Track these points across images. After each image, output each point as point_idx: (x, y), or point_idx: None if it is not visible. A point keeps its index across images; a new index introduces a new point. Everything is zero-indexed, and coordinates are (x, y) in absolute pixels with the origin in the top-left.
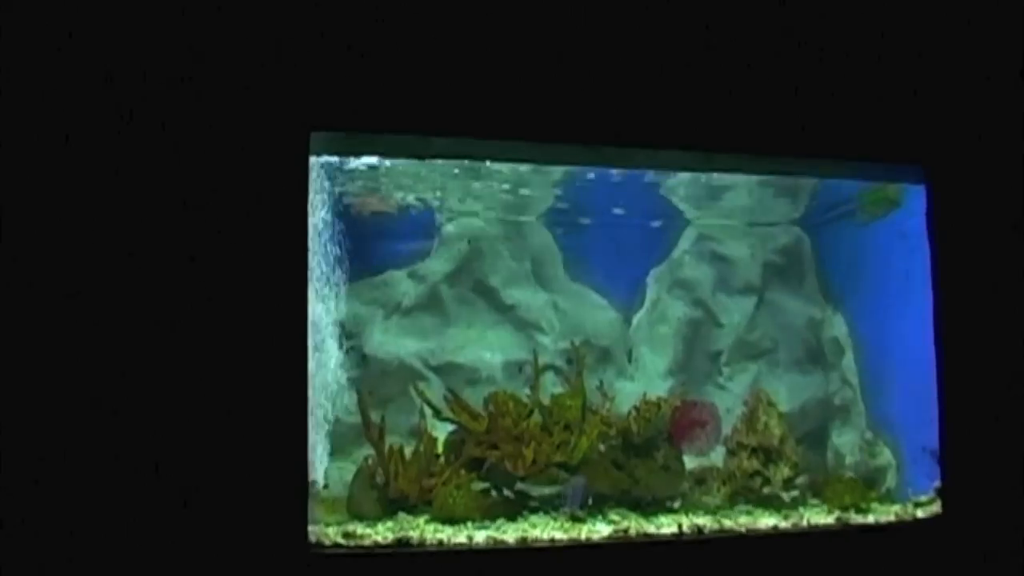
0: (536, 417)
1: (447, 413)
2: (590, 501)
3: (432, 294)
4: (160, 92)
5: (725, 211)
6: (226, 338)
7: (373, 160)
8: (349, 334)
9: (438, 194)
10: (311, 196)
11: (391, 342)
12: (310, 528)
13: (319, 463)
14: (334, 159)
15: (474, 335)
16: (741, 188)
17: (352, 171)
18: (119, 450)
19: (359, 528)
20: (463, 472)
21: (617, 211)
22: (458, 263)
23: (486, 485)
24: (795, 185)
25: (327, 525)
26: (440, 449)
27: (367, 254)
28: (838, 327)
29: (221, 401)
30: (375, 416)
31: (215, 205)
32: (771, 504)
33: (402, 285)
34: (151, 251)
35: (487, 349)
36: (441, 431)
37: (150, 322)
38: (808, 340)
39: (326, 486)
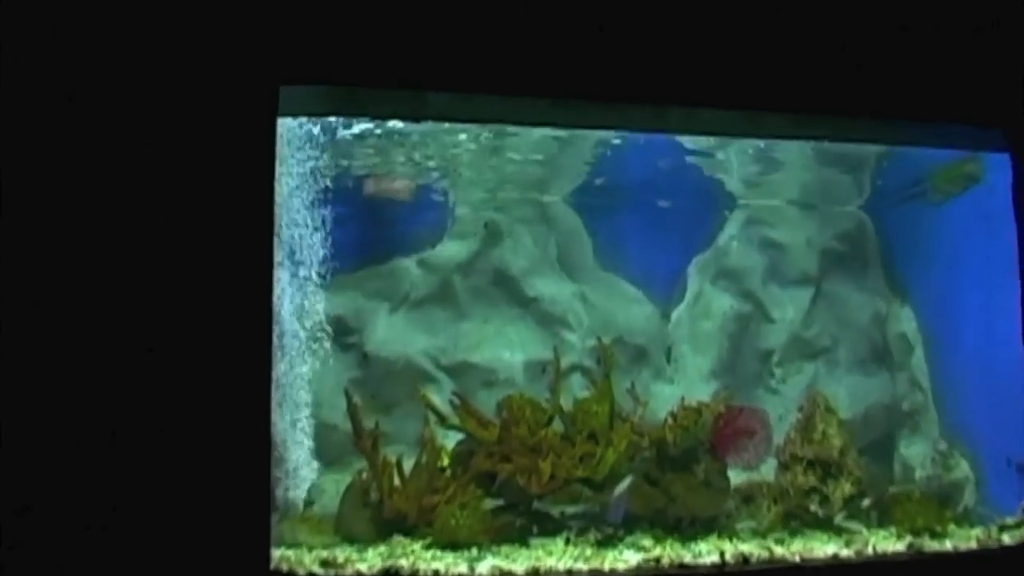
0: (557, 425)
1: (453, 420)
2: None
3: (444, 285)
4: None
5: (778, 191)
6: (177, 331)
7: (369, 125)
8: (347, 329)
9: (451, 170)
10: (293, 168)
11: (396, 339)
12: (279, 553)
13: (302, 477)
14: (325, 122)
15: (491, 331)
16: (796, 164)
17: (352, 140)
18: (50, 461)
19: (344, 553)
20: (470, 488)
21: (656, 190)
22: (474, 250)
23: (498, 503)
24: (858, 160)
25: (310, 548)
26: (446, 462)
27: (370, 239)
28: (906, 322)
29: (166, 404)
30: (373, 422)
31: (168, 173)
32: (830, 527)
33: (410, 274)
34: (95, 231)
35: (506, 347)
36: (452, 441)
37: (92, 310)
38: (872, 337)
39: (311, 503)
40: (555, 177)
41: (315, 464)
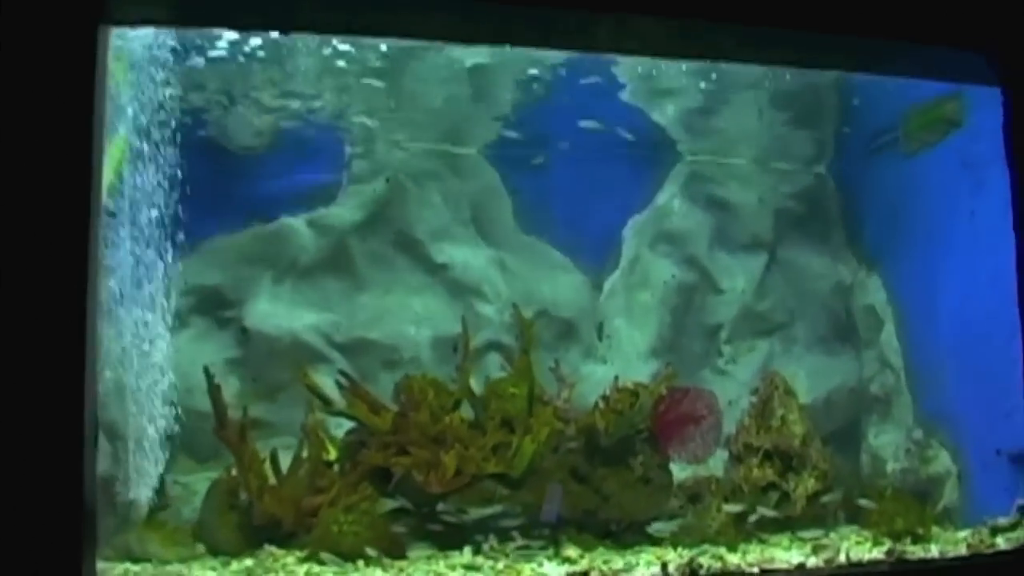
0: (465, 411)
1: (339, 405)
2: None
3: (338, 249)
4: None
5: (727, 142)
6: None
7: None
8: (223, 301)
9: (344, 113)
10: (121, 97)
11: (281, 312)
12: (112, 569)
13: (149, 474)
14: (178, 42)
15: (394, 304)
16: (747, 109)
17: (211, 63)
18: None
19: (197, 570)
20: (360, 487)
21: (585, 141)
22: (373, 209)
23: (393, 505)
24: (818, 104)
25: (163, 561)
26: (333, 455)
27: (248, 194)
28: (874, 292)
29: None
30: (245, 410)
31: None
32: (793, 529)
33: (298, 237)
34: None
35: (411, 322)
36: (342, 430)
37: None
38: (835, 310)
39: (165, 507)
40: (469, 124)
41: (167, 460)
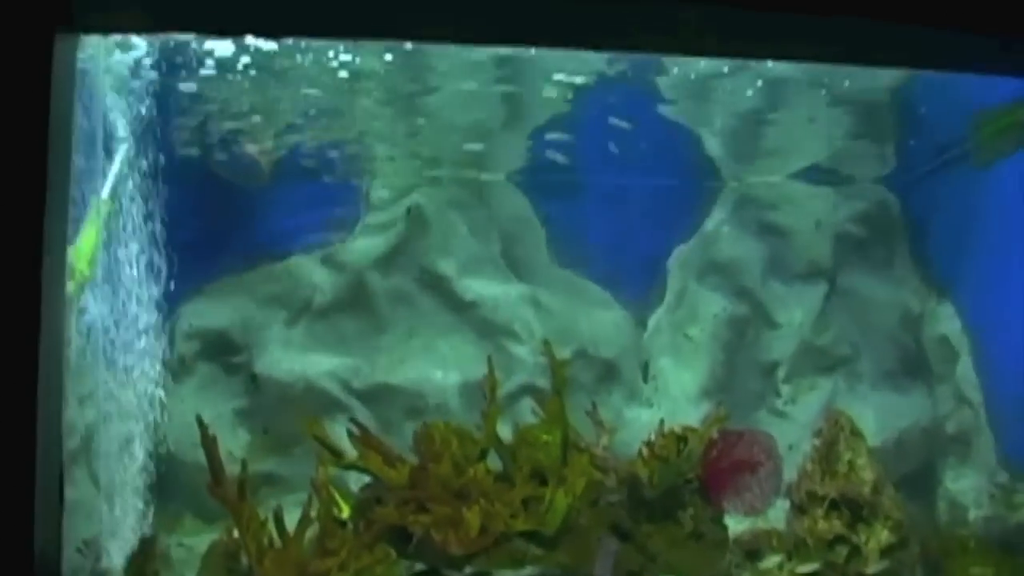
0: (493, 462)
1: (350, 457)
2: None
3: (356, 288)
4: None
5: (778, 161)
6: None
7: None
8: (231, 346)
9: (360, 138)
10: (102, 122)
11: (295, 357)
12: None
13: (127, 536)
14: (155, 63)
15: (418, 346)
16: (799, 124)
17: (207, 83)
18: None
19: None
20: (376, 549)
21: (625, 164)
22: (393, 243)
23: (415, 569)
24: (878, 114)
25: None
26: (346, 513)
27: (259, 230)
28: (947, 321)
29: None
30: (260, 463)
31: None
32: None
33: (312, 275)
34: None
35: (437, 366)
36: (357, 486)
37: None
38: (903, 342)
39: (155, 574)
40: (497, 148)
41: (169, 519)
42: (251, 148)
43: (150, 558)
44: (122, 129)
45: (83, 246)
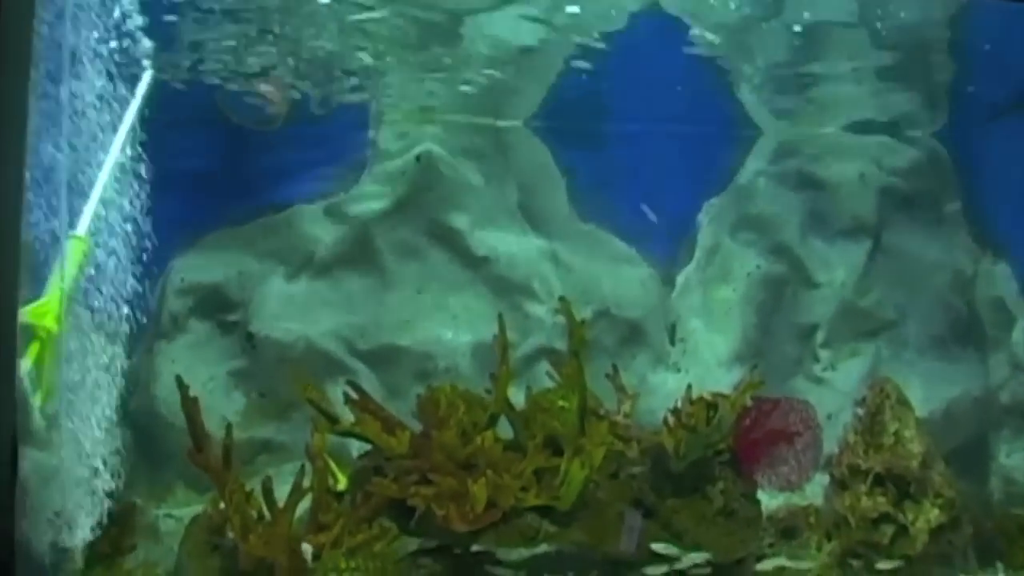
0: (503, 430)
1: (346, 422)
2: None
3: (361, 241)
4: None
5: (820, 109)
6: None
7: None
8: (225, 303)
9: (369, 80)
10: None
11: (294, 315)
12: None
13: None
14: None
15: (427, 304)
16: (844, 63)
17: (205, 18)
18: None
19: None
20: (374, 524)
21: (653, 110)
22: (402, 193)
23: (416, 546)
24: (930, 56)
25: None
26: (342, 484)
27: (253, 178)
28: (1003, 283)
29: None
30: (229, 428)
31: None
32: (912, 571)
33: (314, 227)
34: None
35: (447, 325)
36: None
37: None
38: (953, 305)
39: (132, 548)
40: (515, 92)
41: (158, 490)
42: (266, 89)
43: (128, 530)
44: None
45: (51, 301)
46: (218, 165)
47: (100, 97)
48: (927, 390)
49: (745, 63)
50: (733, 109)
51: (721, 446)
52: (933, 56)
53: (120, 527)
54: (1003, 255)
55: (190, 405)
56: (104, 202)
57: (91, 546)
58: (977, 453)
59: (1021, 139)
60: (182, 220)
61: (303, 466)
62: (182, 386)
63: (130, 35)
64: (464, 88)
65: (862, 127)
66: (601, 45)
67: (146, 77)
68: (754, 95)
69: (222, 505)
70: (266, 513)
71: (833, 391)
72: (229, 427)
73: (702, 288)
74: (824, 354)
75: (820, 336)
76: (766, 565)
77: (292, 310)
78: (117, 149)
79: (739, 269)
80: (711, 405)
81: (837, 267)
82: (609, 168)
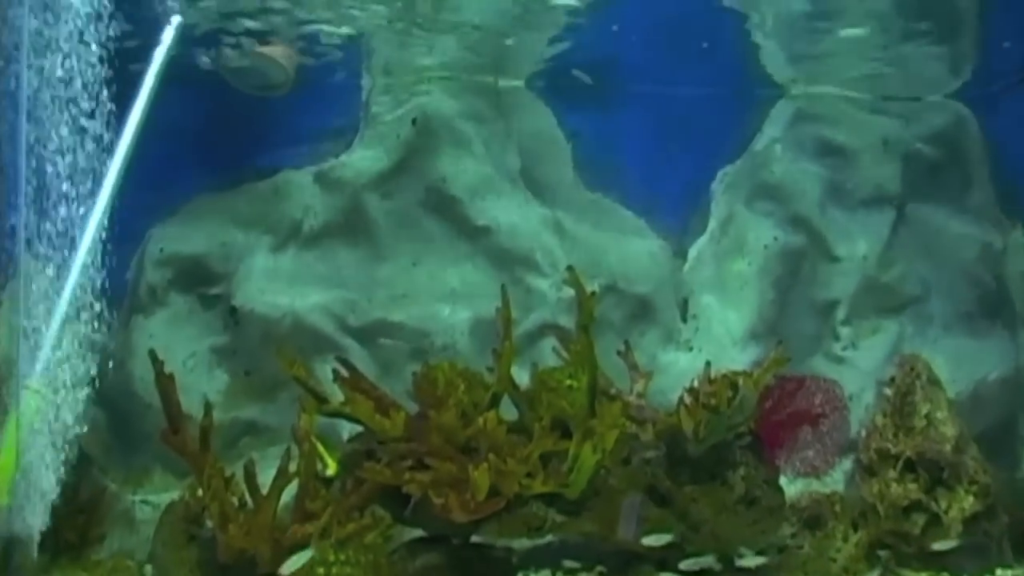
0: (506, 411)
1: (335, 402)
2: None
3: (353, 209)
4: None
5: (841, 72)
6: None
7: None
8: (207, 275)
9: (360, 36)
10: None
11: (281, 289)
12: None
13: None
14: None
15: (423, 277)
16: (867, 20)
17: None
18: None
19: None
20: (362, 514)
21: (664, 72)
22: (397, 158)
23: (412, 536)
24: (959, 22)
25: None
26: (331, 470)
27: (238, 141)
28: None
29: None
30: (207, 408)
31: None
32: (946, 564)
33: (303, 194)
34: None
35: (445, 300)
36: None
37: None
38: (981, 280)
39: (101, 538)
40: (517, 50)
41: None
42: (273, 51)
43: (97, 519)
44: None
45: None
46: (200, 127)
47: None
48: (954, 370)
49: (763, 20)
50: (750, 70)
51: (742, 429)
52: (961, 16)
53: (89, 515)
54: None
55: (165, 382)
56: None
57: (54, 535)
58: (1006, 436)
59: None
60: (161, 185)
61: (288, 449)
62: (156, 362)
63: None
64: (462, 46)
65: (885, 90)
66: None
67: (174, 21)
68: (772, 55)
69: (200, 492)
70: (248, 500)
71: (854, 370)
72: (208, 407)
73: (715, 261)
74: (845, 331)
75: (841, 313)
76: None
77: (278, 283)
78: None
79: (755, 241)
80: (732, 384)
81: (858, 239)
82: (616, 133)
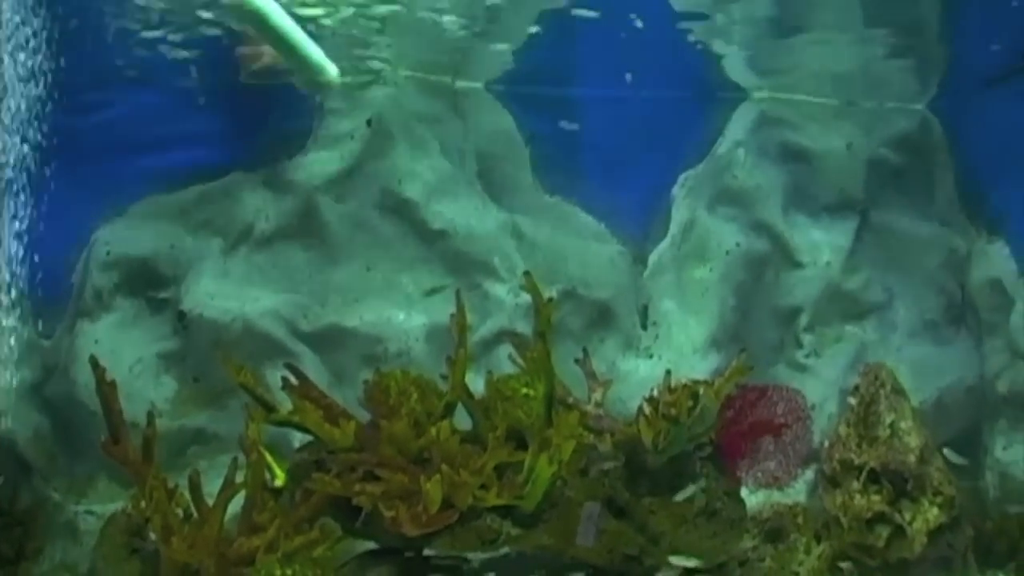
0: (461, 420)
1: (284, 411)
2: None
3: (306, 212)
4: None
5: (805, 77)
6: None
7: None
8: (156, 278)
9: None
10: None
11: (231, 293)
12: None
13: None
14: None
15: (378, 282)
16: (832, 26)
17: None
18: None
19: None
20: (311, 527)
21: (624, 72)
22: (351, 160)
23: (363, 549)
24: (924, 19)
25: None
26: (280, 480)
27: (188, 141)
28: (999, 263)
29: None
30: (151, 417)
31: None
32: None
33: (255, 196)
34: None
35: (400, 305)
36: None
37: None
38: (946, 287)
39: (38, 551)
40: (475, 52)
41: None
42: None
43: (33, 531)
44: None
45: None
46: (149, 126)
47: None
48: (918, 378)
49: (725, 24)
50: (712, 73)
51: (704, 439)
52: (926, 22)
53: (26, 527)
54: (999, 233)
55: (107, 390)
56: None
57: None
58: (970, 446)
59: (1017, 109)
60: (108, 186)
61: (235, 459)
62: (97, 368)
63: None
64: (420, 46)
65: (851, 96)
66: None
67: None
68: (735, 58)
69: (143, 503)
70: (193, 512)
71: (817, 379)
72: (151, 415)
73: (676, 267)
74: (807, 339)
75: (803, 320)
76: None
77: (229, 287)
78: None
79: (717, 247)
80: (693, 393)
81: (822, 246)
82: (576, 136)
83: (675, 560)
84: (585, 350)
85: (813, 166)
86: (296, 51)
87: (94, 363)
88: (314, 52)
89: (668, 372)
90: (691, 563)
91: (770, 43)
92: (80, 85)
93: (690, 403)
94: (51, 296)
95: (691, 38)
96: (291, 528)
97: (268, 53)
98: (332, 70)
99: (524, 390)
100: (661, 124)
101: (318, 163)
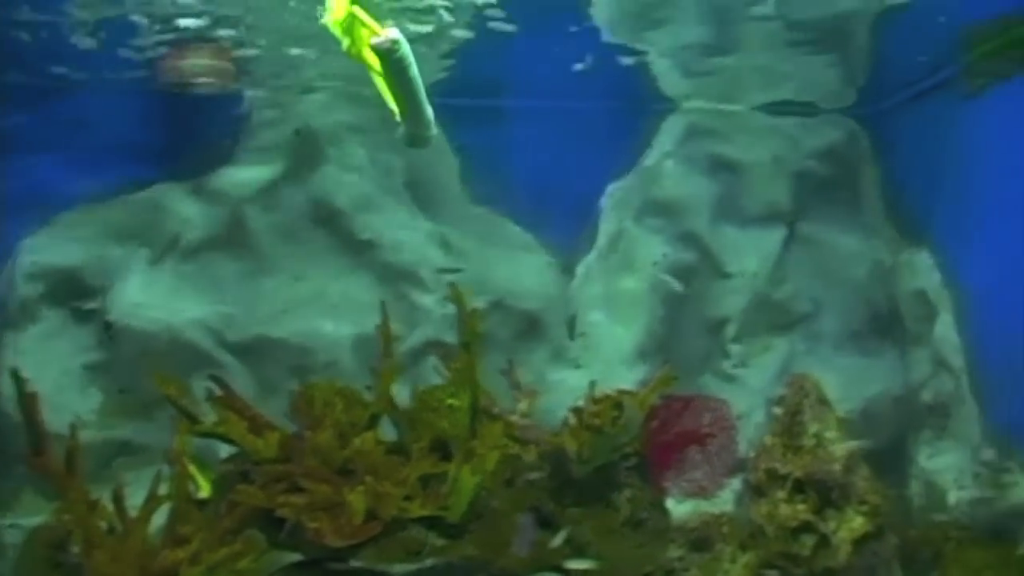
0: (386, 431)
1: (208, 423)
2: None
3: (233, 222)
4: None
5: (733, 87)
6: None
7: None
8: (82, 289)
9: (241, 42)
10: None
11: (158, 303)
12: None
13: None
14: None
15: (305, 292)
16: (758, 38)
17: None
18: None
19: None
20: (235, 539)
21: (553, 85)
22: (279, 171)
23: (288, 561)
24: (848, 33)
25: None
26: (205, 492)
27: (114, 150)
28: (924, 274)
29: None
30: (74, 429)
31: None
32: None
33: (182, 207)
34: None
35: (328, 315)
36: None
37: None
38: (872, 298)
39: None
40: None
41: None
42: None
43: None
44: None
45: None
46: (74, 135)
47: None
48: (844, 388)
49: (652, 36)
50: (640, 85)
51: (628, 449)
52: (852, 33)
53: None
54: (924, 244)
55: (28, 401)
56: None
57: None
58: (896, 456)
59: (942, 120)
60: (33, 195)
61: (159, 471)
62: (18, 380)
63: None
64: (347, 56)
65: (776, 106)
66: (499, 13)
67: None
68: (662, 70)
69: (66, 516)
70: (117, 525)
71: (744, 389)
72: (74, 427)
73: (604, 278)
74: (735, 349)
75: (731, 330)
76: None
77: (155, 297)
78: None
79: (644, 258)
80: (617, 404)
81: (749, 256)
82: (504, 147)
83: (572, 564)
84: (510, 361)
85: (741, 177)
86: (420, 104)
87: (15, 375)
88: (429, 107)
89: (593, 383)
90: (584, 565)
91: (697, 56)
92: (3, 94)
93: (614, 413)
94: None
95: (624, 54)
96: (216, 540)
97: (193, 60)
98: (435, 127)
99: (449, 401)
100: (589, 135)
101: (246, 173)
